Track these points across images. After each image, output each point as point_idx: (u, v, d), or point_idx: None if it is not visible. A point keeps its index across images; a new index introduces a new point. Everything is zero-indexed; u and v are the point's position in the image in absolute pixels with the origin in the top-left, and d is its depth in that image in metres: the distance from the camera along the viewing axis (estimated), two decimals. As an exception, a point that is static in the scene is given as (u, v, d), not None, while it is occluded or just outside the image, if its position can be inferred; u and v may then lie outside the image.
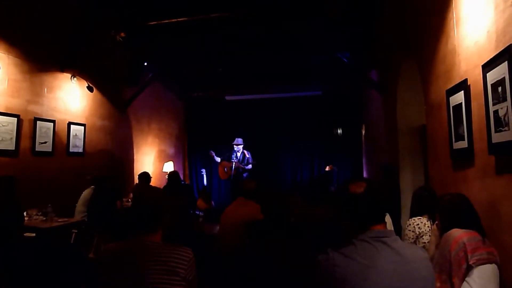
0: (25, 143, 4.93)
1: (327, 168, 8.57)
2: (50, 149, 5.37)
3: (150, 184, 6.14)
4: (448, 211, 2.21)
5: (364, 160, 8.94)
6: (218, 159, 8.77)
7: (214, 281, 2.52)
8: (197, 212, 6.55)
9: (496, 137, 2.19)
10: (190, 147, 10.56)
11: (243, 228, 2.81)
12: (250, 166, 8.63)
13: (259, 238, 2.28)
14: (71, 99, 5.89)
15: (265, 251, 2.09)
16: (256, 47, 6.83)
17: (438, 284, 1.97)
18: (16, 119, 4.76)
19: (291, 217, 2.40)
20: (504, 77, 2.06)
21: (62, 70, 5.69)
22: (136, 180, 7.24)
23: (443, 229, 2.20)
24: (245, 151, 8.72)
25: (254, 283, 1.99)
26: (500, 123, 2.12)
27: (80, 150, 6.03)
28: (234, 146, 8.72)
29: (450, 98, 2.96)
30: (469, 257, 1.94)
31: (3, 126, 4.60)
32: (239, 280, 2.07)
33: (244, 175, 8.63)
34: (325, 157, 9.58)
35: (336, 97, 9.49)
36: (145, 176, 6.05)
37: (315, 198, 3.49)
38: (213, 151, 8.86)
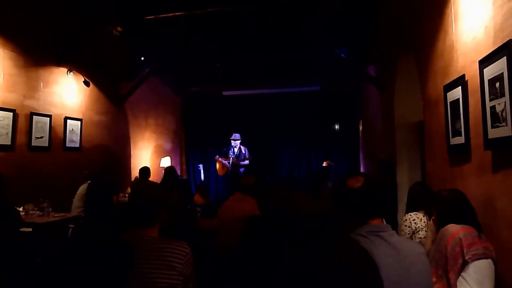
0: (21, 138, 4.90)
1: (324, 164, 8.59)
2: (46, 144, 5.35)
3: (149, 179, 6.15)
4: (445, 206, 2.22)
5: (361, 156, 8.96)
6: (226, 162, 8.73)
7: (212, 276, 2.52)
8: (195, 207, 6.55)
9: (493, 133, 2.19)
10: (188, 142, 10.55)
11: (241, 223, 2.81)
12: (246, 161, 8.63)
13: (257, 234, 2.28)
14: (67, 94, 5.86)
15: (262, 248, 2.09)
16: (254, 42, 6.80)
17: (434, 279, 1.98)
18: (12, 113, 4.73)
19: (288, 213, 2.40)
20: (502, 73, 2.05)
21: (58, 64, 5.65)
22: (133, 175, 7.25)
23: (439, 224, 2.21)
24: (241, 147, 8.73)
25: (251, 278, 1.99)
26: (497, 119, 2.12)
27: (77, 145, 6.01)
28: (232, 141, 8.73)
29: (448, 93, 2.96)
30: (465, 252, 1.95)
31: (-1, 120, 4.57)
32: (237, 276, 2.07)
33: (241, 170, 8.64)
34: (323, 153, 9.61)
35: (334, 92, 9.49)
36: (144, 171, 6.04)
37: (311, 193, 3.50)
38: (217, 155, 8.91)
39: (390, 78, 5.12)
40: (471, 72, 2.54)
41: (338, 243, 1.25)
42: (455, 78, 2.82)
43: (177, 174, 6.63)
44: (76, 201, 5.12)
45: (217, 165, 9.06)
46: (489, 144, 2.27)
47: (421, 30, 3.65)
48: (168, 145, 9.60)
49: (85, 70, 6.19)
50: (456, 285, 1.96)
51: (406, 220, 2.90)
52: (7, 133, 4.67)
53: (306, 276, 0.96)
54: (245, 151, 8.73)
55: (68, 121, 5.81)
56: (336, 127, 9.68)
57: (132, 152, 7.76)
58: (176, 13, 5.56)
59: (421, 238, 2.75)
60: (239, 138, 8.76)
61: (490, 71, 2.21)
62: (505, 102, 2.03)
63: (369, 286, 0.94)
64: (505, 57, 2.03)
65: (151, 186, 2.09)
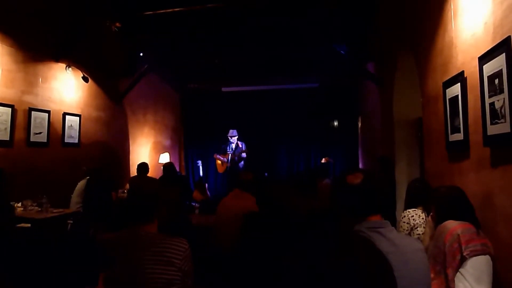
0: (19, 133, 4.89)
1: (323, 160, 8.58)
2: (45, 140, 5.33)
3: (147, 175, 6.14)
4: (444, 203, 2.22)
5: (360, 153, 8.97)
6: (225, 159, 8.78)
7: (210, 272, 2.53)
8: (193, 204, 6.56)
9: (492, 129, 2.19)
10: (186, 139, 10.55)
11: (240, 219, 2.81)
12: (244, 154, 8.66)
13: (255, 230, 2.29)
14: (66, 90, 5.84)
15: (260, 244, 2.09)
16: (253, 38, 6.78)
17: (432, 275, 1.99)
18: (10, 109, 4.72)
19: (287, 209, 2.40)
20: (501, 69, 2.05)
21: (57, 60, 5.63)
22: (132, 171, 7.24)
23: (438, 220, 2.22)
24: (239, 142, 8.77)
25: (250, 274, 2.00)
26: (496, 115, 2.12)
27: (76, 141, 6.00)
28: (229, 138, 8.75)
29: (447, 90, 2.96)
30: (463, 248, 1.96)
31: (-3, 116, 4.56)
32: (236, 271, 2.08)
33: (240, 164, 8.67)
34: (321, 149, 9.61)
35: (333, 89, 9.48)
36: (142, 167, 6.04)
37: (309, 189, 3.50)
38: (216, 153, 9.02)
39: (389, 75, 5.11)
40: (471, 68, 2.54)
41: (351, 242, 1.25)
42: (454, 74, 2.82)
43: (176, 170, 6.64)
44: (75, 197, 5.12)
45: (217, 163, 9.10)
46: (488, 140, 2.27)
47: (421, 26, 3.64)
48: (167, 142, 9.59)
49: (84, 66, 6.17)
50: (454, 281, 1.96)
51: (404, 216, 2.91)
52: (5, 129, 4.65)
53: (318, 275, 0.95)
54: (242, 145, 8.77)
55: (67, 117, 5.80)
56: (335, 123, 9.68)
57: (131, 148, 7.75)
58: (175, 9, 5.54)
59: (419, 234, 2.76)
60: (236, 134, 8.80)
61: (489, 68, 2.21)
62: (504, 98, 2.03)
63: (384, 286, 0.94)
64: (504, 53, 2.03)
65: (149, 182, 2.09)
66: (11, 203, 3.91)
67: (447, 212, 2.17)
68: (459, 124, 2.72)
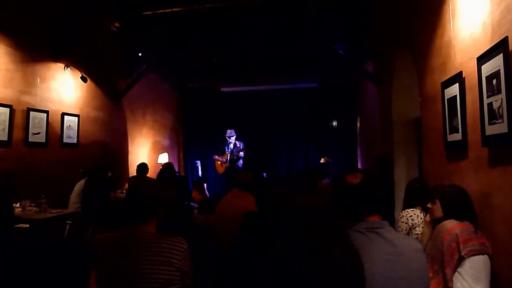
0: (18, 133, 4.88)
1: (322, 160, 8.60)
2: (43, 140, 5.32)
3: (146, 175, 6.14)
4: (449, 203, 2.22)
5: (358, 152, 8.98)
6: (223, 159, 8.82)
7: (209, 272, 2.53)
8: (192, 204, 6.55)
9: (490, 129, 2.20)
10: (185, 139, 10.54)
11: (239, 219, 2.81)
12: (242, 153, 8.68)
13: (254, 230, 2.29)
14: (64, 90, 5.83)
15: (259, 244, 2.09)
16: (251, 38, 6.79)
17: (430, 275, 1.99)
18: (8, 109, 4.71)
19: (286, 209, 2.40)
20: (499, 70, 2.06)
21: (56, 60, 5.62)
22: (131, 172, 7.24)
23: (445, 218, 2.21)
24: (236, 142, 8.79)
25: (248, 276, 2.00)
26: (494, 116, 2.13)
27: (74, 141, 5.98)
28: (227, 138, 8.77)
29: (445, 90, 2.97)
30: (461, 248, 1.96)
31: (-4, 116, 4.55)
32: (235, 272, 2.08)
33: (239, 163, 8.68)
34: (320, 149, 9.63)
35: (331, 89, 9.49)
36: (142, 167, 6.03)
37: (309, 189, 3.51)
38: (215, 155, 9.07)
39: (388, 75, 5.12)
40: (469, 69, 2.54)
41: (326, 241, 1.24)
42: (452, 75, 2.83)
43: (174, 170, 6.64)
44: (74, 197, 5.11)
45: (216, 164, 9.11)
46: (486, 140, 2.28)
47: (419, 26, 3.65)
48: (166, 142, 9.58)
49: (83, 66, 6.15)
50: (452, 280, 1.97)
51: (403, 216, 2.91)
52: (4, 129, 4.64)
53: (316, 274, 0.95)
54: (240, 145, 8.79)
55: (65, 117, 5.79)
56: (334, 123, 9.69)
57: (129, 149, 7.74)
58: (174, 9, 5.54)
59: (417, 234, 2.76)
60: (234, 134, 8.82)
61: (487, 68, 2.21)
62: (501, 99, 2.04)
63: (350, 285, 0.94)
64: (501, 54, 2.03)
65: (148, 182, 2.09)
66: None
67: (451, 211, 2.17)
68: (458, 124, 2.73)
